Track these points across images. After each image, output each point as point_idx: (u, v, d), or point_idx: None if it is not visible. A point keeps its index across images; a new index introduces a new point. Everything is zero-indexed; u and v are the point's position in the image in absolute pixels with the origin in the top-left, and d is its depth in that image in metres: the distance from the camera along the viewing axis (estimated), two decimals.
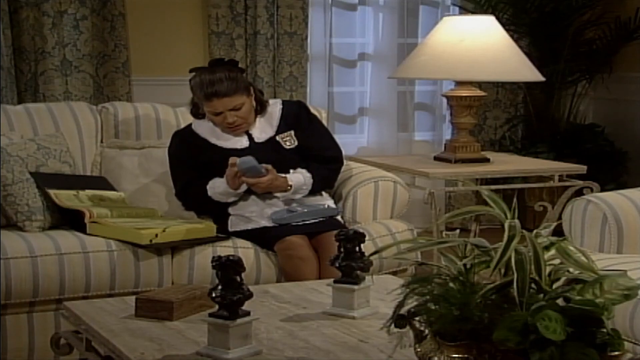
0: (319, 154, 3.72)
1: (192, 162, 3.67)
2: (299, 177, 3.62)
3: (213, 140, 3.68)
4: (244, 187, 3.57)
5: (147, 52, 5.30)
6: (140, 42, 5.26)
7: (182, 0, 5.37)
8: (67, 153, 3.75)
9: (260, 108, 3.72)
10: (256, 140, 3.68)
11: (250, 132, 3.69)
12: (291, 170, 3.63)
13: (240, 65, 3.77)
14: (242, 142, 3.67)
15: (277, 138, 3.69)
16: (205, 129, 3.70)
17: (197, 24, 5.41)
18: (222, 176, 3.57)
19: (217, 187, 3.60)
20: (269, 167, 3.52)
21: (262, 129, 3.71)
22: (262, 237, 3.53)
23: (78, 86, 5.06)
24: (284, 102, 3.83)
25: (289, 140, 3.70)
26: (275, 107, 3.76)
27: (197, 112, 3.74)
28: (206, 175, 3.63)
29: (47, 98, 4.93)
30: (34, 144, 3.65)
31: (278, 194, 3.59)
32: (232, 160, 3.51)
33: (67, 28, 5.01)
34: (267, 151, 3.62)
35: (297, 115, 3.76)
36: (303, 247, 3.45)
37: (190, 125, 3.77)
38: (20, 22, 4.92)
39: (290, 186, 3.59)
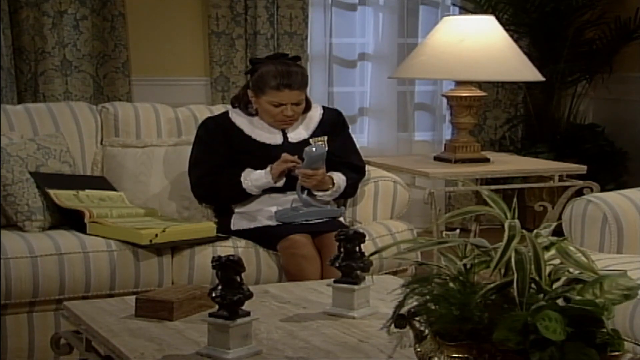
0: (348, 161, 3.75)
1: (223, 149, 3.67)
2: (340, 179, 3.66)
3: (247, 132, 3.69)
4: (281, 182, 3.60)
5: (147, 52, 5.30)
6: (140, 42, 5.26)
7: (182, 0, 5.37)
8: (67, 153, 3.75)
9: (306, 108, 3.74)
10: (290, 139, 3.70)
11: (285, 130, 3.70)
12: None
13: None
14: (276, 139, 3.69)
15: (311, 141, 3.70)
16: (242, 120, 3.72)
17: (197, 24, 5.41)
18: (251, 167, 3.60)
19: (254, 179, 3.59)
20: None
21: (298, 130, 3.73)
22: (265, 236, 3.54)
23: (78, 86, 5.06)
24: (324, 108, 3.86)
25: (322, 144, 3.72)
26: (315, 112, 3.78)
27: (238, 102, 3.76)
28: (233, 164, 3.64)
29: (47, 98, 4.93)
30: (34, 144, 3.65)
31: (318, 193, 3.60)
32: (285, 156, 3.53)
33: (67, 28, 5.01)
34: (299, 152, 3.62)
35: (334, 123, 3.79)
36: (306, 246, 3.45)
37: (226, 113, 3.78)
38: (20, 22, 4.92)
39: (333, 185, 3.62)
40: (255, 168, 3.62)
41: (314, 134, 3.73)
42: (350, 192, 3.75)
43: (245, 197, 3.64)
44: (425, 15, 5.86)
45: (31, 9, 4.92)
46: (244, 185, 3.61)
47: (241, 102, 3.75)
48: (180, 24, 5.38)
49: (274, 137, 3.69)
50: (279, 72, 3.60)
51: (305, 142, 3.69)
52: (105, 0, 5.10)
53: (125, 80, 5.17)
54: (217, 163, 3.65)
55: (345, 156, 3.75)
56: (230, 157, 3.66)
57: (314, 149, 3.53)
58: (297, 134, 3.72)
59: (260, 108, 3.68)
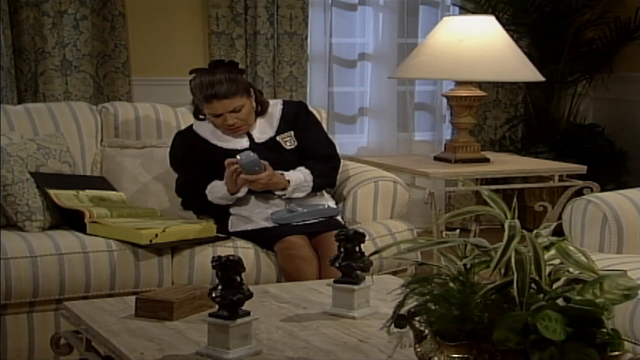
0: (316, 152, 3.71)
1: (192, 162, 3.68)
2: (298, 175, 3.61)
3: (214, 141, 3.68)
4: (243, 192, 3.57)
5: (147, 52, 5.29)
6: (140, 42, 5.26)
7: (182, 0, 5.37)
8: (67, 153, 3.75)
9: (261, 109, 3.72)
10: (256, 140, 3.68)
11: (250, 132, 3.69)
12: (290, 170, 3.63)
13: (240, 66, 3.76)
14: (243, 143, 3.67)
15: (278, 138, 3.69)
16: (206, 130, 3.70)
17: (197, 24, 5.41)
18: (222, 177, 3.57)
19: (216, 192, 3.60)
20: (266, 164, 3.51)
21: (263, 130, 3.71)
22: (262, 238, 3.53)
23: (78, 86, 5.06)
24: (284, 102, 3.83)
25: (289, 141, 3.69)
26: (275, 108, 3.76)
27: (198, 114, 3.73)
28: (207, 175, 3.63)
29: (47, 98, 4.93)
30: (34, 144, 3.65)
31: (278, 193, 3.59)
32: (228, 161, 3.50)
33: (67, 28, 5.01)
34: (268, 151, 3.62)
35: (296, 115, 3.75)
36: (303, 247, 3.45)
37: (191, 125, 3.77)
38: (20, 22, 4.92)
39: (289, 182, 3.58)
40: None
41: (280, 130, 3.70)
42: (324, 182, 3.69)
43: (225, 205, 3.65)
44: (425, 15, 5.86)
45: (31, 9, 4.92)
46: (209, 198, 3.61)
47: (200, 113, 3.72)
48: (180, 24, 5.38)
49: (240, 142, 3.66)
50: (203, 84, 3.55)
51: (272, 140, 3.67)
52: (105, 0, 5.09)
53: (125, 80, 5.16)
54: (190, 176, 3.66)
55: (312, 147, 3.70)
56: (203, 168, 3.65)
57: (239, 157, 3.46)
58: (262, 134, 3.70)
59: (209, 119, 3.67)
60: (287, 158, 3.65)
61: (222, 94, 3.53)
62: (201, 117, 3.72)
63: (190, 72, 3.67)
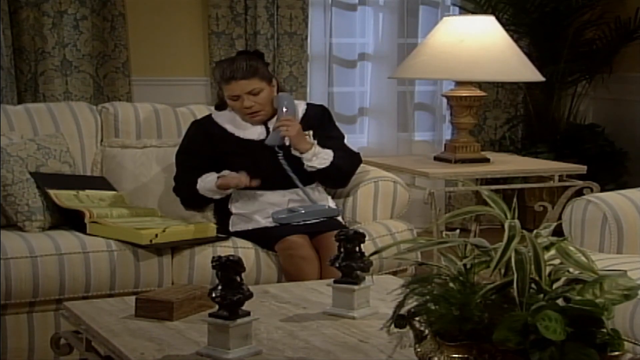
0: (339, 148, 3.72)
1: (201, 152, 3.68)
2: (323, 150, 3.63)
3: (230, 129, 3.71)
4: (220, 195, 3.61)
5: (147, 52, 5.30)
6: (140, 42, 5.26)
7: (182, 0, 5.37)
8: (67, 153, 3.75)
9: None
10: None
11: (268, 125, 3.71)
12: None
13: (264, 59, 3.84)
14: (260, 134, 3.69)
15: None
16: (224, 119, 3.74)
17: (197, 24, 5.41)
18: (236, 164, 3.60)
19: (207, 182, 3.62)
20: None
21: None
22: (263, 237, 3.54)
23: (78, 86, 5.06)
24: (308, 104, 3.86)
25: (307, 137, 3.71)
26: (298, 107, 3.78)
27: (220, 104, 3.80)
28: (220, 164, 3.65)
29: (47, 98, 4.93)
30: (34, 144, 3.65)
31: (299, 155, 3.60)
32: (242, 177, 3.54)
33: (67, 28, 5.01)
34: (284, 144, 3.63)
35: (319, 118, 3.78)
36: (304, 247, 3.45)
37: (210, 115, 3.81)
38: (20, 22, 4.92)
39: (312, 145, 3.61)
40: (240, 165, 3.62)
41: None
42: (343, 165, 3.68)
43: (227, 204, 3.66)
44: (425, 15, 5.86)
45: (31, 9, 4.92)
46: (198, 186, 3.63)
47: (222, 103, 3.78)
48: (180, 24, 5.38)
49: (257, 132, 3.70)
50: (224, 67, 3.66)
51: None
52: (105, 0, 5.09)
53: (125, 80, 5.17)
54: (188, 171, 3.67)
55: (335, 147, 3.71)
56: (212, 158, 3.67)
57: (280, 96, 3.62)
58: None
59: (230, 106, 3.72)
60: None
61: (239, 75, 3.61)
62: (222, 107, 3.77)
63: (217, 63, 3.88)
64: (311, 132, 3.70)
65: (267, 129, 3.69)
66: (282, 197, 3.64)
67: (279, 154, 3.61)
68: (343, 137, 3.82)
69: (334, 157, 3.63)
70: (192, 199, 3.70)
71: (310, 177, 3.67)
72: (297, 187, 3.64)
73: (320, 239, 3.49)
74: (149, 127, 4.02)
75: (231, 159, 3.64)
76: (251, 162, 3.62)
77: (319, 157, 3.62)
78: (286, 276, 3.44)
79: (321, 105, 3.94)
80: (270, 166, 3.63)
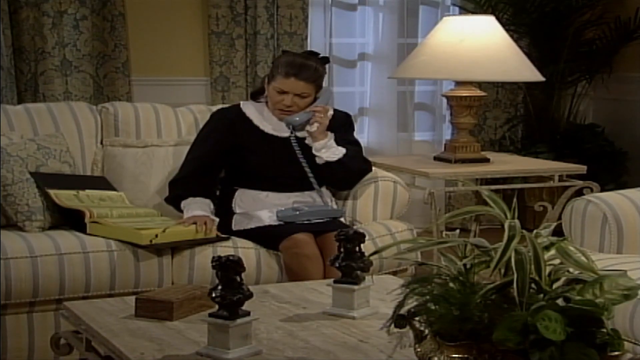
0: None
1: (217, 141, 3.70)
2: (337, 145, 3.67)
3: (256, 122, 3.73)
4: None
5: (147, 52, 5.30)
6: (140, 42, 5.26)
7: (182, 0, 5.37)
8: (67, 153, 3.74)
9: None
10: (298, 135, 3.71)
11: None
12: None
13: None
14: (284, 132, 3.70)
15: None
16: (252, 111, 3.76)
17: (197, 24, 5.41)
18: (255, 157, 3.64)
19: (190, 202, 3.60)
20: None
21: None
22: (267, 236, 3.54)
23: (78, 86, 5.06)
24: (335, 110, 3.88)
25: None
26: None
27: (256, 94, 3.83)
28: (241, 155, 3.67)
29: (47, 98, 4.93)
30: (34, 144, 3.65)
31: (311, 144, 3.64)
32: (210, 222, 3.52)
33: (67, 28, 5.01)
34: (304, 144, 3.67)
35: (342, 123, 3.81)
36: (309, 245, 3.45)
37: (238, 104, 3.84)
38: (20, 22, 4.92)
39: (328, 138, 3.66)
40: (259, 158, 3.65)
41: None
42: (352, 162, 3.71)
43: (230, 203, 3.68)
44: (425, 15, 5.86)
45: (31, 9, 4.92)
46: (184, 201, 3.63)
47: (258, 92, 3.83)
48: (180, 24, 5.38)
49: (282, 130, 3.71)
50: (292, 62, 3.67)
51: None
52: (105, 0, 5.09)
53: (125, 80, 5.16)
54: (202, 152, 3.69)
55: (349, 150, 3.73)
56: (226, 151, 3.68)
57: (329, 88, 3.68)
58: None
59: (268, 95, 3.73)
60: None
61: (303, 76, 3.64)
62: (257, 95, 3.80)
63: (282, 52, 3.98)
64: (332, 135, 3.71)
65: (292, 128, 3.71)
66: (287, 199, 3.65)
67: (291, 136, 3.65)
68: (360, 146, 3.86)
69: (345, 155, 3.67)
70: (177, 200, 3.69)
71: (320, 180, 3.68)
72: (303, 190, 3.65)
73: (324, 238, 3.49)
74: (149, 127, 4.01)
75: (249, 152, 3.66)
76: (269, 158, 3.65)
77: (330, 151, 3.65)
78: (289, 275, 3.44)
79: (346, 113, 3.96)
80: (286, 164, 3.65)
